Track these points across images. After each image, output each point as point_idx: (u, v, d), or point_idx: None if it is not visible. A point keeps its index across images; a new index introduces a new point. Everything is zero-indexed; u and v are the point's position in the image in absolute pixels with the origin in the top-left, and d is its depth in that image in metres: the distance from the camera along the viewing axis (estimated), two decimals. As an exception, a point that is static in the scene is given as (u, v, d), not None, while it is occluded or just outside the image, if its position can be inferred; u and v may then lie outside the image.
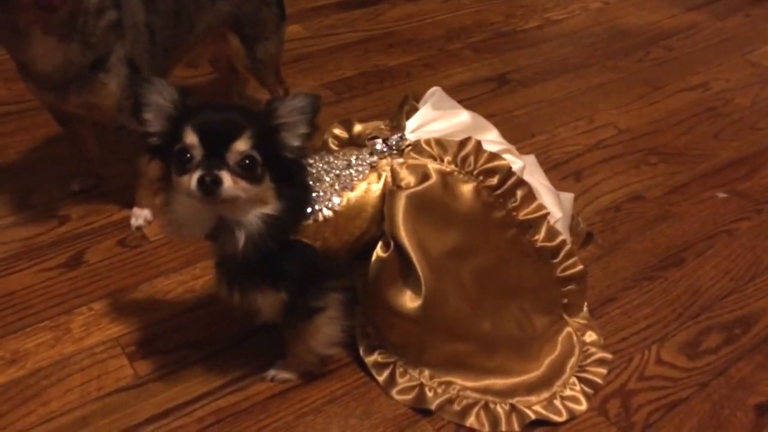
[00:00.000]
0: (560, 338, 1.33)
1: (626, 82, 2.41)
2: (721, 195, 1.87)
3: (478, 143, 1.25)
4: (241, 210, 1.07)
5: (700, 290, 1.56)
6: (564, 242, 1.30)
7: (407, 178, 1.21)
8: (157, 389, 1.30)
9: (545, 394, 1.27)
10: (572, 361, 1.32)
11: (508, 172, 1.25)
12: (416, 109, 1.36)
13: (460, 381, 1.27)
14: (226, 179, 1.02)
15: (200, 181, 1.01)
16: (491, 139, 1.32)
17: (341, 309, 1.25)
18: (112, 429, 1.24)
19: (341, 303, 1.24)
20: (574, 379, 1.30)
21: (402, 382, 1.28)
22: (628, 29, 2.78)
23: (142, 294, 1.50)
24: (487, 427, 1.23)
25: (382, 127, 1.30)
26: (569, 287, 1.33)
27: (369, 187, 1.20)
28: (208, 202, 1.05)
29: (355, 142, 1.28)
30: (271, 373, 1.31)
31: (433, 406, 1.26)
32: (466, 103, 2.22)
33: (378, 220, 1.21)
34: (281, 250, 1.13)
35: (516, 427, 1.24)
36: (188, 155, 1.04)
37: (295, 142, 1.09)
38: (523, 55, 2.58)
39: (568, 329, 1.35)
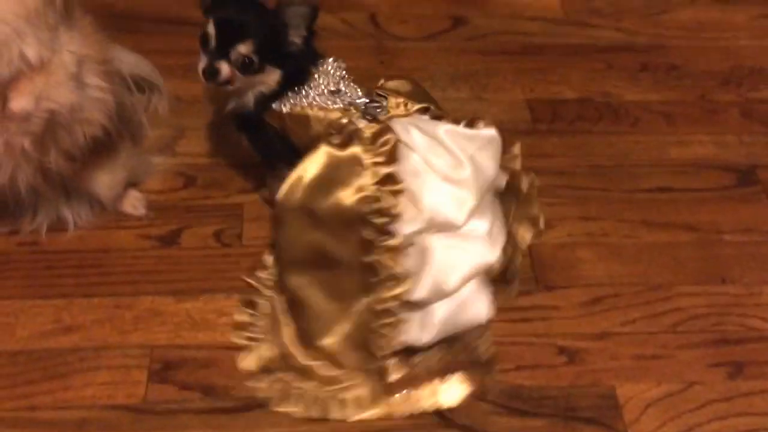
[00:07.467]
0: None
1: None
2: None
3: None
4: (245, 88, 1.40)
5: None
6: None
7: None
8: (152, 425, 1.32)
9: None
10: None
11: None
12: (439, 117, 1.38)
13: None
14: (224, 69, 1.33)
15: (204, 69, 1.35)
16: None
17: None
18: (97, 447, 1.28)
19: None
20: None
21: None
22: None
23: (200, 305, 1.49)
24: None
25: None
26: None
27: (327, 116, 1.34)
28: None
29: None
30: None
31: None
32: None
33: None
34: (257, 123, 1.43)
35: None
36: (207, 42, 1.34)
37: (297, 39, 1.35)
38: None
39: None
